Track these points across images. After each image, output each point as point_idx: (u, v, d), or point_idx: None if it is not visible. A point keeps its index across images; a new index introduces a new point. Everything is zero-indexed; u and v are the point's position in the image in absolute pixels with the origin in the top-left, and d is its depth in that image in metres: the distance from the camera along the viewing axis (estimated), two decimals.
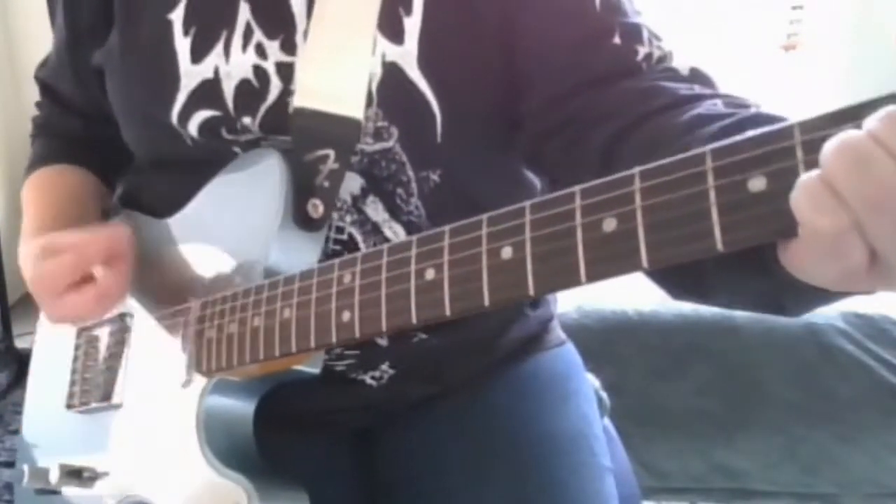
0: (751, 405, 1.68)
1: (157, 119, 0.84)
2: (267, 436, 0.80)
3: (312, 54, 0.79)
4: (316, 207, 0.78)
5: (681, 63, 0.74)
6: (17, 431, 1.04)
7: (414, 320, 0.58)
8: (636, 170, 0.45)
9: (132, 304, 0.90)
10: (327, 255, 0.80)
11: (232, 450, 0.77)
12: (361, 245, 0.83)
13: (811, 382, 1.66)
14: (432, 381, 0.94)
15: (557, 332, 1.04)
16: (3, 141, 1.97)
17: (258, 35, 0.81)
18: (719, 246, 0.42)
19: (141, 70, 0.86)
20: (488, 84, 0.80)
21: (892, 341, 1.67)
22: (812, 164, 0.38)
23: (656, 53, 0.74)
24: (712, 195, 0.41)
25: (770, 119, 0.57)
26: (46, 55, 1.05)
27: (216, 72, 0.82)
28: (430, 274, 0.56)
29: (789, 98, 2.22)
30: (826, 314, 1.69)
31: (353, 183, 0.82)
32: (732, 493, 1.72)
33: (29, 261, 0.84)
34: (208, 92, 0.82)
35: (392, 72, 0.78)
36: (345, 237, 0.83)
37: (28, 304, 0.88)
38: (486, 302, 0.53)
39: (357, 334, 0.62)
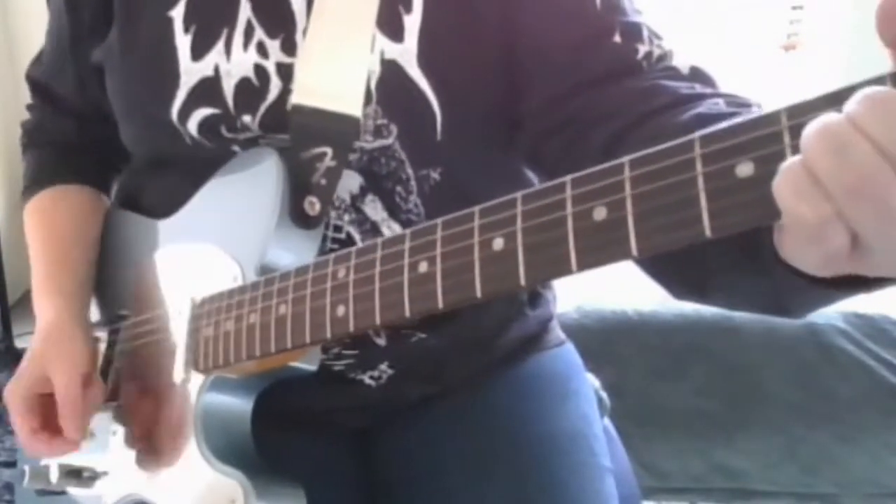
0: (751, 405, 1.68)
1: (156, 117, 0.84)
2: (266, 435, 0.80)
3: (311, 52, 0.79)
4: (313, 205, 0.78)
5: (681, 62, 0.74)
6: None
7: (407, 313, 0.58)
8: (626, 158, 0.45)
9: (130, 304, 0.90)
10: (325, 253, 0.80)
11: (229, 447, 0.77)
12: (359, 244, 0.83)
13: (811, 382, 1.66)
14: (431, 381, 0.93)
15: (557, 332, 1.04)
16: (3, 141, 1.97)
17: (259, 33, 0.81)
18: (707, 232, 0.42)
19: (141, 67, 0.86)
20: (488, 83, 0.80)
21: (892, 341, 1.67)
22: (799, 149, 0.38)
23: (656, 52, 0.74)
24: (700, 182, 0.41)
25: None
26: (38, 53, 1.04)
27: (216, 70, 0.82)
28: (423, 267, 0.57)
29: (789, 98, 2.21)
30: (826, 314, 1.69)
31: (352, 182, 0.82)
32: (732, 493, 1.72)
33: (36, 338, 0.88)
34: (208, 90, 0.82)
35: (391, 69, 0.78)
36: (343, 236, 0.83)
37: (28, 304, 0.89)
38: (479, 294, 0.53)
39: (351, 328, 0.62)
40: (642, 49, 0.74)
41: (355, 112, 0.78)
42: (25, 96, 1.06)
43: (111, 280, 0.96)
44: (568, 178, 0.48)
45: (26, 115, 1.08)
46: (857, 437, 1.66)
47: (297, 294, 0.68)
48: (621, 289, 1.64)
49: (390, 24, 0.79)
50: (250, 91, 0.81)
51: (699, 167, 0.42)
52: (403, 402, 0.94)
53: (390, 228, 0.84)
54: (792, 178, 0.39)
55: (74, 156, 1.03)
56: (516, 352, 0.98)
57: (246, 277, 0.76)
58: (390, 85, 0.79)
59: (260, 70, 0.81)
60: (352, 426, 0.97)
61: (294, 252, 0.77)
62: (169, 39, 0.83)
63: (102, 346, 0.92)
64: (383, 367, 0.89)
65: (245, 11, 0.82)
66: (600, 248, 0.46)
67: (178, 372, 0.79)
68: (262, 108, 0.81)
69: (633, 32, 0.75)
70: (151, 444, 0.83)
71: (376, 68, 0.79)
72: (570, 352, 1.04)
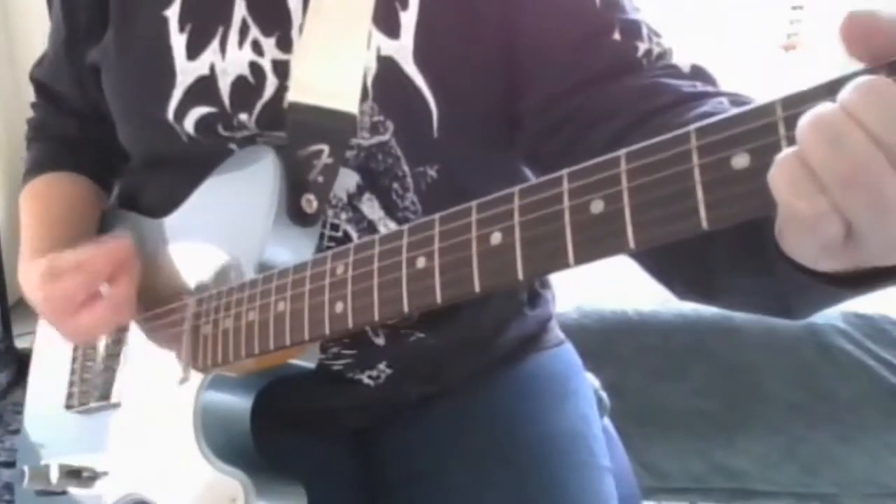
0: (751, 405, 1.68)
1: (153, 116, 0.84)
2: (265, 436, 0.80)
3: (307, 49, 0.79)
4: (310, 202, 0.78)
5: (682, 60, 0.74)
6: (17, 431, 1.05)
7: (406, 309, 0.58)
8: (622, 151, 0.45)
9: None
10: (322, 251, 0.80)
11: (229, 445, 0.77)
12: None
13: (811, 382, 1.66)
14: (430, 380, 0.93)
15: (556, 332, 1.04)
16: (3, 141, 1.97)
17: (254, 32, 0.81)
18: (704, 224, 0.42)
19: (137, 67, 0.86)
20: (486, 81, 0.80)
21: (892, 341, 1.67)
22: (794, 140, 0.38)
23: (656, 50, 0.74)
24: (697, 173, 0.42)
25: None
26: (42, 54, 1.05)
27: (212, 68, 0.82)
28: (421, 262, 0.57)
29: None
30: (826, 314, 1.69)
31: (349, 180, 0.82)
32: (732, 493, 1.72)
33: (33, 282, 0.84)
34: (204, 88, 0.82)
35: (387, 66, 0.79)
36: (340, 234, 0.84)
37: (28, 305, 0.89)
38: (477, 288, 0.53)
39: (350, 325, 0.62)
40: (642, 47, 0.74)
41: (352, 109, 0.78)
42: (27, 95, 1.07)
43: None
44: (564, 171, 0.48)
45: (27, 115, 1.08)
46: (857, 437, 1.66)
47: (295, 291, 0.68)
48: (621, 289, 1.64)
49: (386, 21, 0.79)
50: (246, 89, 0.81)
51: (695, 159, 0.42)
52: (403, 401, 0.94)
53: (387, 227, 0.84)
54: (787, 169, 0.39)
55: (75, 150, 1.03)
56: (515, 352, 0.98)
57: (244, 275, 0.76)
58: (386, 82, 0.79)
59: (255, 68, 0.81)
60: (351, 426, 0.97)
61: (292, 249, 0.77)
62: (164, 39, 0.83)
63: (102, 346, 0.92)
64: (382, 366, 0.90)
65: (240, 10, 0.82)
66: (598, 240, 0.46)
67: (177, 370, 0.79)
68: (259, 105, 0.81)
69: (633, 30, 0.75)
70: (151, 443, 0.83)
71: (372, 65, 0.79)
72: (569, 352, 1.05)
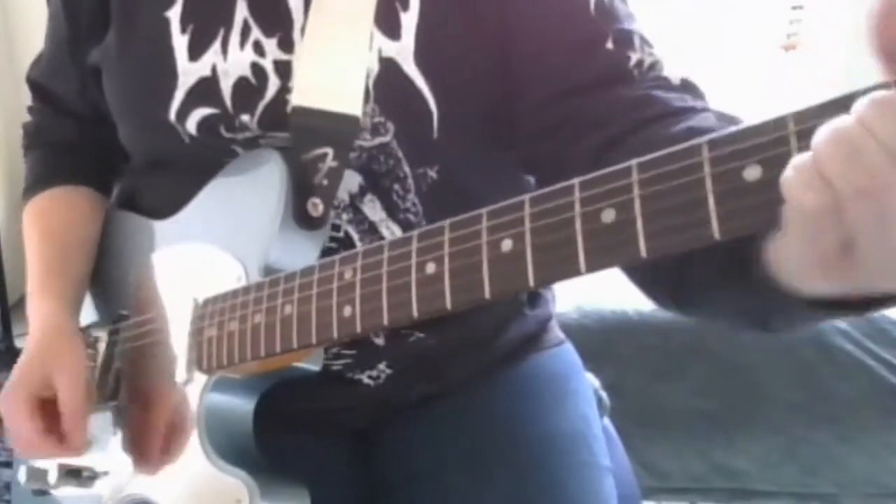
0: (751, 405, 1.68)
1: (154, 117, 0.84)
2: (266, 436, 0.80)
3: (310, 50, 0.79)
4: (316, 206, 0.78)
5: (672, 73, 0.75)
6: None
7: (415, 314, 0.58)
8: (633, 161, 0.46)
9: (131, 304, 0.90)
10: (323, 252, 0.80)
11: (232, 447, 0.77)
12: (358, 243, 0.84)
13: (811, 382, 1.67)
14: (430, 380, 0.93)
15: (556, 332, 1.04)
16: (3, 141, 1.97)
17: (256, 32, 0.81)
18: (717, 234, 0.42)
19: (138, 68, 0.86)
20: (486, 82, 0.80)
21: (892, 341, 1.67)
22: (805, 151, 0.39)
23: (648, 60, 0.75)
24: (709, 184, 0.42)
25: None
26: (38, 54, 1.04)
27: (214, 69, 0.82)
28: (430, 268, 0.57)
29: (789, 98, 2.22)
30: None
31: (351, 181, 0.82)
32: (732, 493, 1.73)
33: (31, 335, 0.87)
34: (206, 90, 0.82)
35: (388, 67, 0.79)
36: (341, 235, 0.84)
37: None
38: (487, 294, 0.53)
39: (358, 329, 0.62)
40: (634, 57, 0.74)
41: (356, 111, 0.78)
42: (26, 97, 1.06)
43: (111, 280, 0.96)
44: (576, 180, 0.49)
45: (27, 116, 1.08)
46: (857, 437, 1.66)
47: (302, 294, 0.68)
48: (621, 289, 1.64)
49: (388, 22, 0.79)
50: (248, 90, 0.81)
51: (707, 169, 0.42)
52: (403, 401, 0.94)
53: (388, 228, 0.84)
54: (803, 172, 0.39)
55: (74, 156, 1.02)
56: (515, 351, 0.98)
57: (250, 278, 0.76)
58: (387, 83, 0.79)
59: (257, 69, 0.81)
60: (351, 426, 0.97)
61: (298, 253, 0.77)
62: (166, 40, 0.83)
63: (102, 346, 0.92)
64: (382, 366, 0.90)
65: (241, 11, 0.82)
66: (610, 249, 0.46)
67: (180, 372, 0.79)
68: (261, 106, 0.81)
69: (626, 40, 0.75)
70: (153, 444, 0.83)
71: (374, 66, 0.79)
72: (569, 352, 1.05)
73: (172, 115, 0.83)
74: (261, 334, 0.71)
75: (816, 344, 1.67)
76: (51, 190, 1.00)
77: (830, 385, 1.66)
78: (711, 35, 2.27)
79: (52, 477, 0.86)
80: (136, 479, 0.84)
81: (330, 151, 0.79)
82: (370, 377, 0.90)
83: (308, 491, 0.77)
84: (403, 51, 0.79)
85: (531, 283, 0.51)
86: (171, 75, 0.83)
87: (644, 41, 0.76)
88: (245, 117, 0.81)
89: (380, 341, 0.88)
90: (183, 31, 0.83)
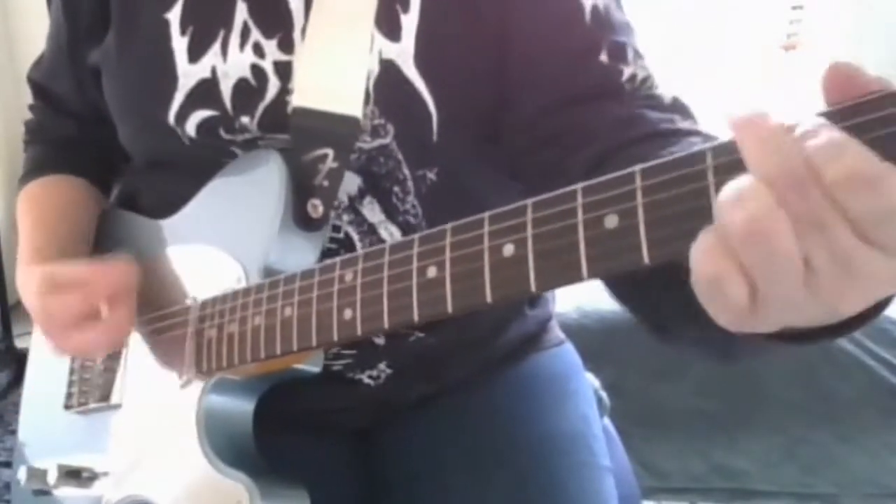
0: (751, 405, 1.68)
1: (154, 119, 0.84)
2: (266, 436, 0.80)
3: (311, 51, 0.79)
4: (316, 207, 0.78)
5: (664, 91, 0.75)
6: (16, 431, 1.04)
7: (416, 317, 0.58)
8: (637, 168, 0.45)
9: None
10: (323, 252, 0.80)
11: (232, 449, 0.77)
12: (358, 244, 0.84)
13: (811, 382, 1.66)
14: (430, 380, 0.94)
15: (556, 332, 1.04)
16: (3, 141, 1.97)
17: (255, 34, 0.81)
18: None
19: (138, 70, 0.86)
20: (486, 85, 0.79)
21: (892, 341, 1.67)
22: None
23: (640, 74, 0.75)
24: (712, 192, 0.42)
25: None
26: (39, 55, 1.04)
27: (213, 71, 0.82)
28: (431, 272, 0.57)
29: (789, 98, 2.22)
30: None
31: (350, 182, 0.82)
32: (732, 493, 1.73)
33: (30, 291, 0.83)
34: (206, 92, 0.82)
35: (388, 69, 0.78)
36: (341, 236, 0.84)
37: None
38: (489, 299, 0.53)
39: (359, 332, 0.62)
40: (627, 71, 0.75)
41: (356, 113, 0.78)
42: (26, 96, 1.06)
43: None
44: (578, 186, 0.48)
45: (26, 116, 1.08)
46: (857, 437, 1.66)
47: (303, 297, 0.68)
48: None
49: (388, 24, 0.79)
50: (248, 92, 0.81)
51: (711, 177, 0.42)
52: (403, 401, 0.94)
53: (388, 230, 0.84)
54: (706, 246, 0.40)
55: (73, 152, 1.03)
56: (515, 351, 0.98)
57: (250, 280, 0.76)
58: (387, 85, 0.79)
59: (257, 70, 0.81)
60: (351, 426, 0.97)
61: (298, 254, 0.77)
62: (166, 42, 0.83)
63: None
64: (382, 366, 0.90)
65: (241, 13, 0.82)
66: (612, 255, 0.46)
67: (180, 373, 0.79)
68: (261, 108, 0.81)
69: (619, 53, 0.75)
70: (153, 445, 0.83)
71: (374, 68, 0.79)
72: (569, 352, 1.05)
73: (172, 118, 0.83)
74: (261, 336, 0.71)
75: (816, 344, 1.66)
76: (47, 177, 1.00)
77: (830, 385, 1.66)
78: (711, 35, 2.27)
79: (52, 477, 0.86)
80: (136, 480, 0.84)
81: (330, 152, 0.79)
82: (370, 377, 0.90)
83: (308, 492, 0.76)
84: (403, 53, 0.78)
85: (533, 288, 0.50)
86: (170, 77, 0.83)
87: (637, 54, 0.76)
88: (245, 119, 0.81)
89: (380, 341, 0.88)
90: (183, 32, 0.83)
